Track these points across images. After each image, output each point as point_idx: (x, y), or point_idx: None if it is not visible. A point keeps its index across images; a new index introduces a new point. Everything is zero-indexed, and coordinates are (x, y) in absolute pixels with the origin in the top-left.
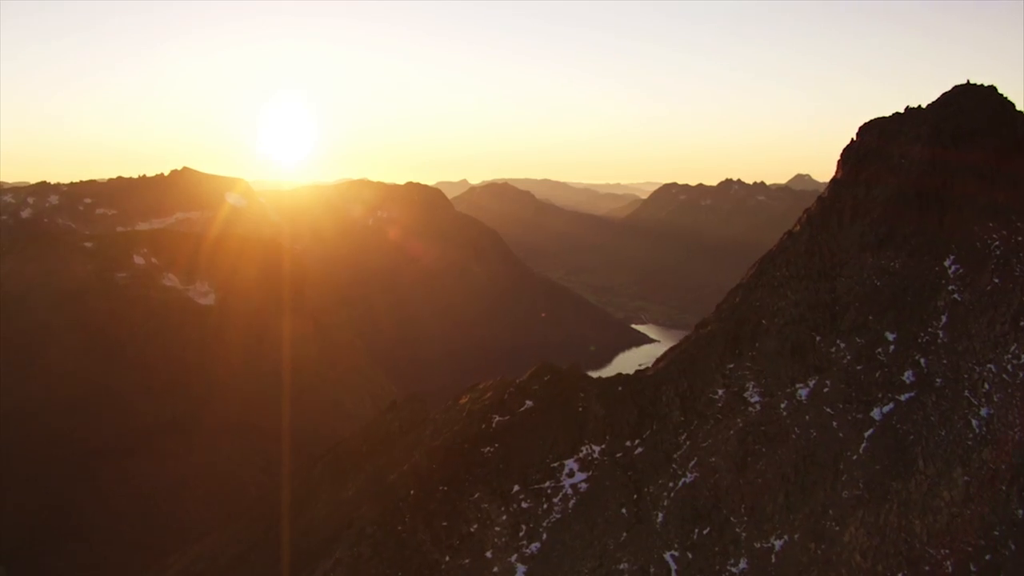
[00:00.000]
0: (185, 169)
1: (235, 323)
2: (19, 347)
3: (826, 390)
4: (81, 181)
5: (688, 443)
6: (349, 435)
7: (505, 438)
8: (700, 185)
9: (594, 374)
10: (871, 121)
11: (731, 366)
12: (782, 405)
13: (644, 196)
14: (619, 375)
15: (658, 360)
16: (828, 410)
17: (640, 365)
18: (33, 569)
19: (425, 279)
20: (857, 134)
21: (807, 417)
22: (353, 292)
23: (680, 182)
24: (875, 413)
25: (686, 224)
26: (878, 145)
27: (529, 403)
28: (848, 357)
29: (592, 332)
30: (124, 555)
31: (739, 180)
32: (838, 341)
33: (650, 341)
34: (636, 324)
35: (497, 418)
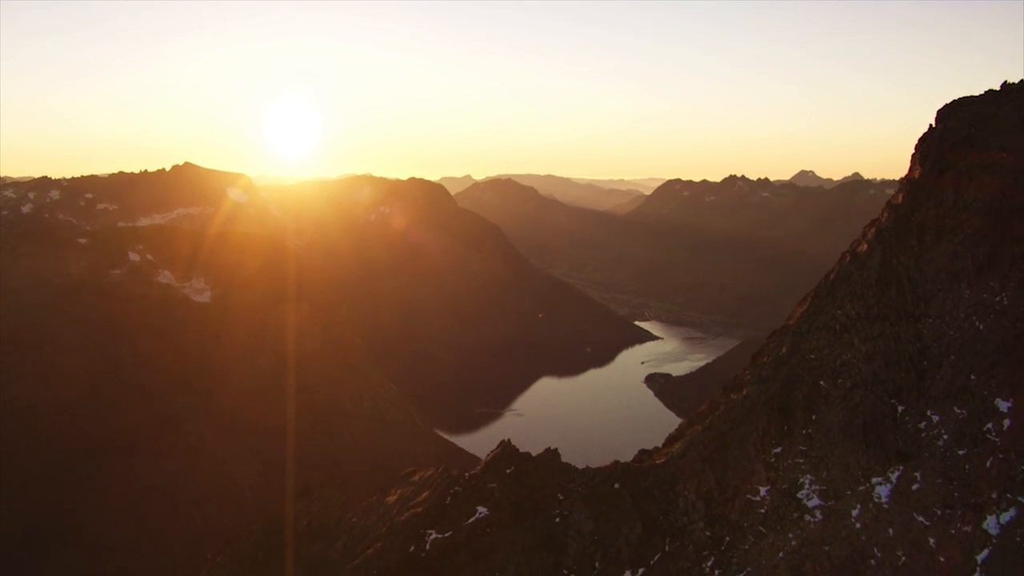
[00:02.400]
0: (187, 164)
1: (232, 321)
2: (10, 345)
3: (916, 487)
4: (82, 176)
5: (718, 573)
6: (248, 528)
7: (443, 569)
8: (704, 181)
9: (596, 371)
10: (957, 102)
11: (778, 451)
12: (854, 512)
13: (647, 192)
14: (616, 464)
15: (671, 439)
16: (921, 520)
17: (642, 363)
18: (23, 575)
19: (428, 275)
20: (937, 119)
21: (890, 531)
22: (356, 288)
23: (684, 178)
24: (990, 524)
25: (689, 220)
26: (969, 135)
27: (482, 510)
28: (945, 436)
29: (594, 329)
30: (116, 560)
31: (743, 176)
32: (929, 412)
33: (653, 338)
34: (639, 321)
35: (433, 535)
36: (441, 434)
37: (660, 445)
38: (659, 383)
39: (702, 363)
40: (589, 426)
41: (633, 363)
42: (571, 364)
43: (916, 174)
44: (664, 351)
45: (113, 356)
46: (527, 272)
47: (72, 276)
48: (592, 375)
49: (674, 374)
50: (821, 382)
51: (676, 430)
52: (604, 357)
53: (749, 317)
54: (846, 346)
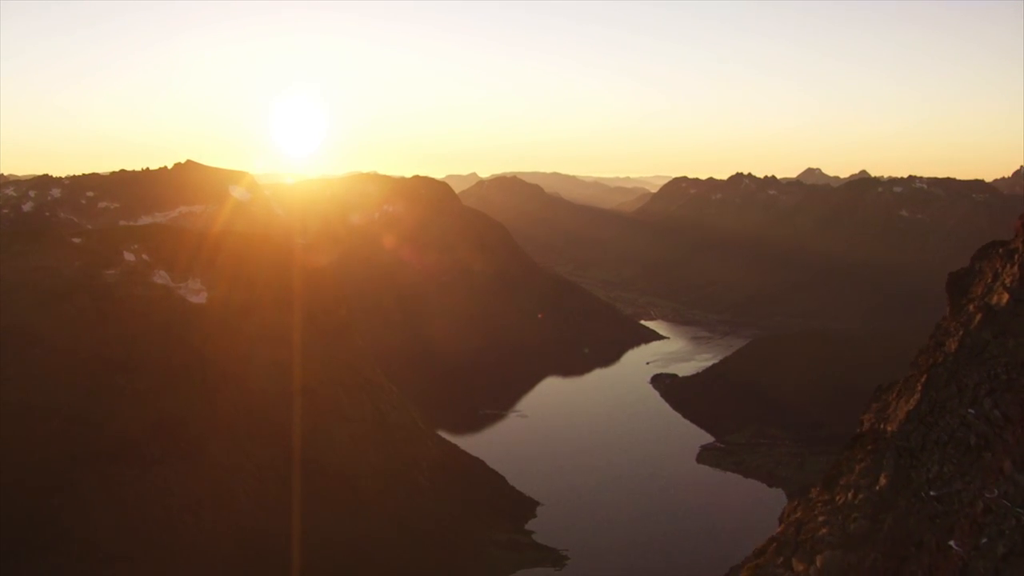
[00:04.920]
0: (189, 162)
1: (230, 322)
2: (2, 346)
3: None
4: (83, 174)
5: None
6: None
7: None
8: (710, 179)
9: (601, 371)
10: None
11: None
12: None
13: (654, 190)
14: None
15: None
16: None
17: (648, 363)
18: None
19: (431, 274)
20: None
21: None
22: (358, 288)
23: (690, 176)
24: None
25: (696, 218)
26: None
27: None
28: None
29: (599, 328)
30: (109, 568)
31: (750, 174)
32: None
33: (659, 338)
34: (645, 320)
35: None
36: (444, 436)
37: None
38: (665, 383)
39: (709, 363)
40: (594, 428)
41: (639, 363)
42: (576, 364)
43: None
44: (670, 351)
45: (107, 358)
46: (532, 271)
47: (65, 276)
48: (597, 375)
49: (680, 374)
50: (952, 543)
51: None
52: (609, 357)
53: (756, 316)
54: (990, 474)
